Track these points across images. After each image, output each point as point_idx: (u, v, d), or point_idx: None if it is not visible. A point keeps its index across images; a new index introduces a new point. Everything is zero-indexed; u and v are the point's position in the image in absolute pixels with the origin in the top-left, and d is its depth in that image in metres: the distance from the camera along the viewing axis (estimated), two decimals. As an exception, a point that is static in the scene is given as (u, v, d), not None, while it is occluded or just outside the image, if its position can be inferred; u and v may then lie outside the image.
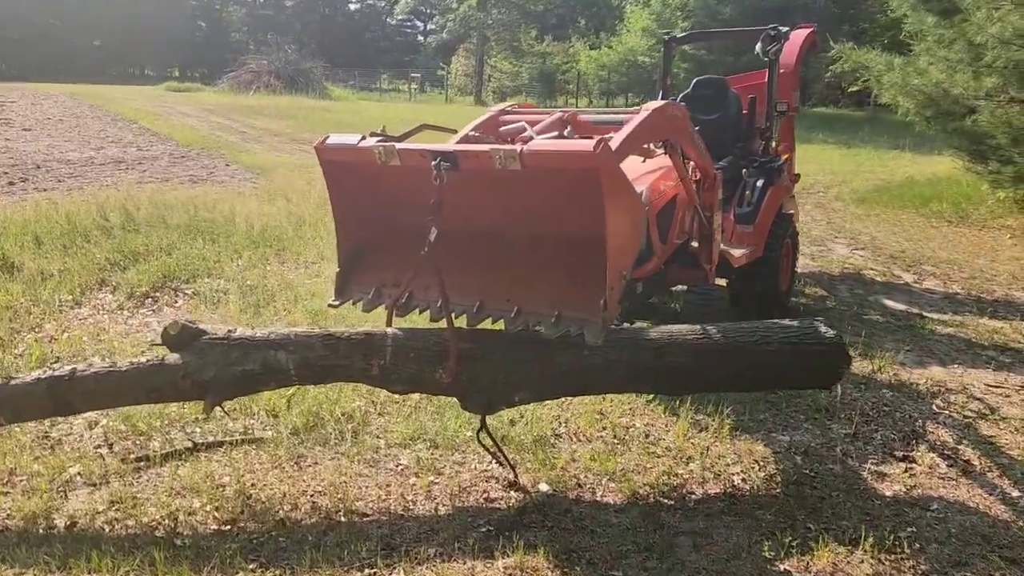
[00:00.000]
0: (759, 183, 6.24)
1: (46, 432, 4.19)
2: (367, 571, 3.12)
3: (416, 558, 3.17)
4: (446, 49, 47.22)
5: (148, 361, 3.63)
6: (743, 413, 4.35)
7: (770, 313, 5.24)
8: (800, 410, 4.53)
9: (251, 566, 3.15)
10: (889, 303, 6.69)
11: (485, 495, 3.69)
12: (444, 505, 3.62)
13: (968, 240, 9.02)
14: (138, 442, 4.19)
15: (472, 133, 4.42)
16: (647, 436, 4.24)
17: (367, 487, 3.77)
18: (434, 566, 3.14)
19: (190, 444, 4.13)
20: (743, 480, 3.81)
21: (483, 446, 3.85)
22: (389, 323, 3.95)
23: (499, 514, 3.53)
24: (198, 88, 36.87)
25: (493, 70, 36.38)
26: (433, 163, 3.54)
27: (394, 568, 3.13)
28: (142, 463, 3.96)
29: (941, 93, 9.16)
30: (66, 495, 3.69)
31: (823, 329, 3.77)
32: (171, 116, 23.34)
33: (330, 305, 4.13)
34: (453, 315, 3.78)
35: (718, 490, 3.74)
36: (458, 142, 4.22)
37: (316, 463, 3.99)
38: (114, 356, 5.30)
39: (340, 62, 43.47)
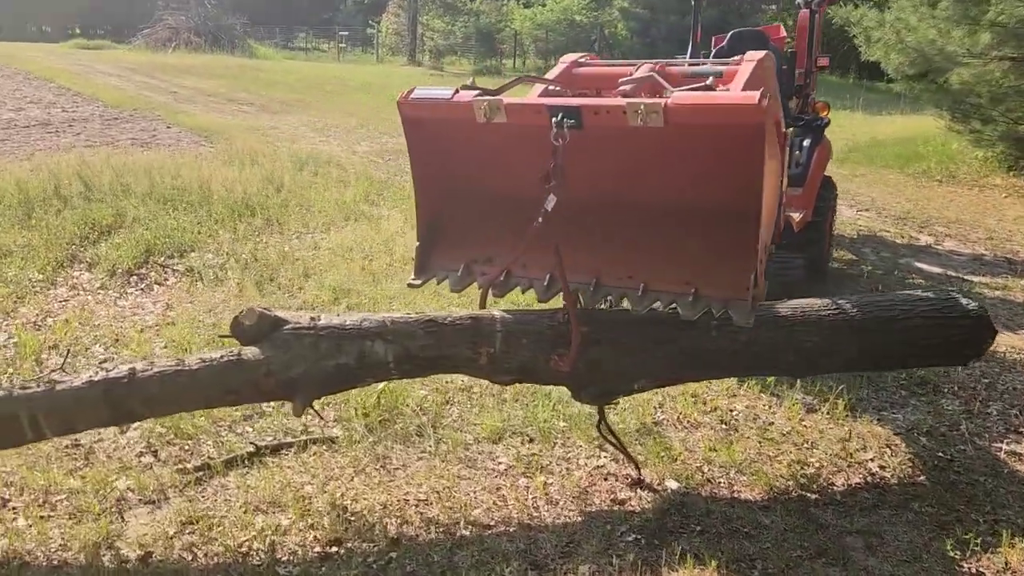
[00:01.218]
0: (805, 143, 5.93)
1: (74, 439, 3.58)
2: (521, 596, 2.70)
3: (572, 577, 2.77)
4: (368, 7, 45.63)
5: (223, 358, 3.07)
6: (843, 391, 4.05)
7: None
8: (900, 385, 4.27)
9: (382, 598, 2.69)
10: (922, 266, 6.54)
11: (611, 496, 3.30)
12: (570, 510, 3.21)
13: (967, 200, 8.99)
14: (187, 447, 3.63)
15: (553, 87, 3.94)
16: (756, 420, 3.91)
17: (475, 492, 3.32)
18: (596, 586, 2.74)
19: (251, 448, 3.59)
20: (880, 467, 3.53)
21: (607, 440, 3.44)
22: (483, 305, 3.48)
23: (637, 518, 3.14)
24: (110, 46, 34.46)
25: (426, 28, 35.27)
26: (554, 120, 3.07)
27: (550, 590, 2.72)
28: (201, 473, 3.42)
29: (936, 50, 9.06)
30: (122, 517, 3.13)
31: (964, 301, 3.48)
32: (90, 75, 21.67)
33: (410, 284, 3.63)
34: (551, 292, 3.36)
35: (859, 480, 3.43)
36: (540, 95, 3.74)
37: (404, 465, 3.51)
38: (117, 345, 4.67)
39: (259, 19, 41.46)
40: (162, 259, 6.26)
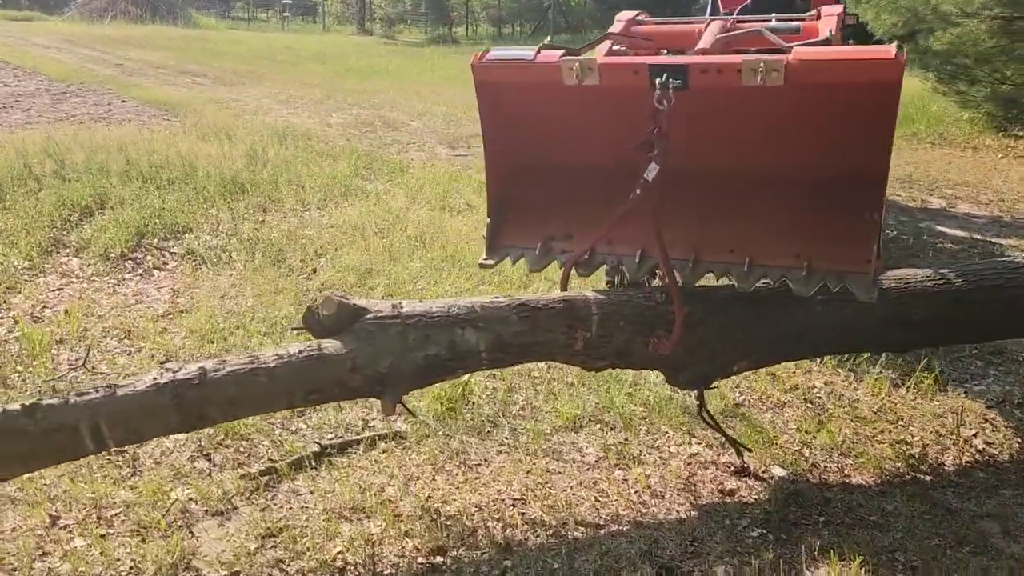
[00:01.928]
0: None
1: (114, 445, 3.20)
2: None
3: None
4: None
5: (301, 353, 2.74)
6: (927, 364, 3.90)
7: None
8: (974, 355, 4.13)
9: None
10: (945, 230, 6.45)
11: (718, 486, 3.09)
12: (679, 503, 2.99)
13: (964, 162, 8.95)
14: (242, 449, 3.30)
15: (617, 47, 3.66)
16: (840, 397, 3.73)
17: (572, 488, 3.08)
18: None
19: (316, 447, 3.28)
20: (986, 444, 3.38)
21: (709, 426, 3.21)
22: (564, 287, 3.22)
23: (754, 510, 2.94)
24: (40, 17, 32.74)
25: (375, -5, 34.34)
26: (657, 81, 2.79)
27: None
28: (268, 477, 3.10)
29: (930, 9, 8.97)
30: (191, 531, 2.81)
31: (1066, 268, 3.33)
32: (26, 48, 20.46)
33: (482, 264, 3.35)
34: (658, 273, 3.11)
35: (969, 458, 3.28)
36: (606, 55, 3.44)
37: (485, 460, 3.25)
38: (131, 337, 4.28)
39: (196, -12, 39.90)
40: (156, 241, 5.82)
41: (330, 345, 2.77)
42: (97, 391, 2.62)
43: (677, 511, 2.94)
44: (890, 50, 2.58)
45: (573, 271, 3.15)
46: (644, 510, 2.94)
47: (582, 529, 2.83)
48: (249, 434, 3.36)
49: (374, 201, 6.78)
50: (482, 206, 6.73)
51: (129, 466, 3.15)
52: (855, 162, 2.87)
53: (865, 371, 3.89)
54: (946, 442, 3.38)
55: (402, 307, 2.89)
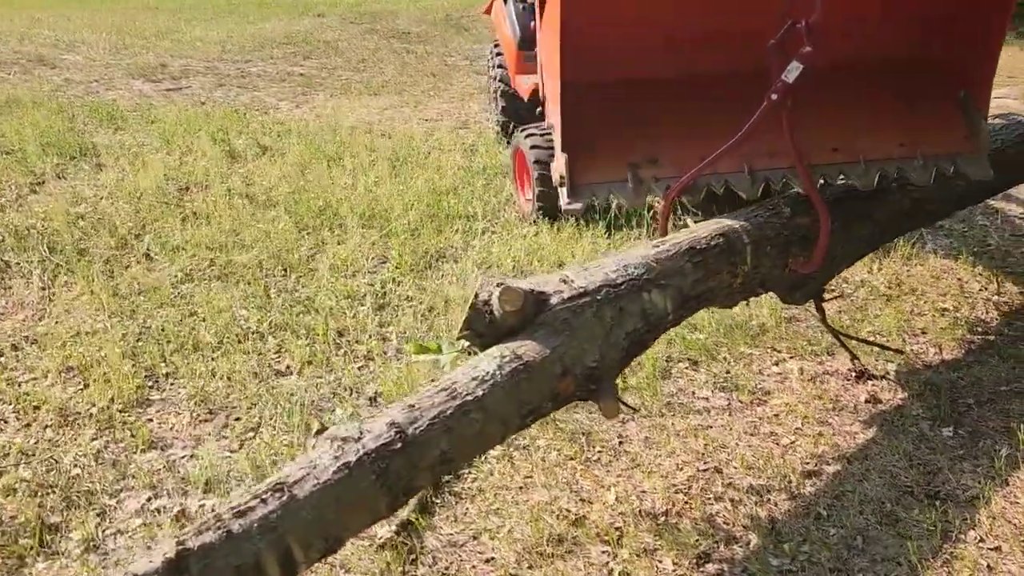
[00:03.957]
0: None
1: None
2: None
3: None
4: None
5: (503, 369, 2.03)
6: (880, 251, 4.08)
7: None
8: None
9: None
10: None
11: (862, 397, 2.96)
12: (849, 426, 2.82)
13: None
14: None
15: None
16: (861, 284, 3.77)
17: (739, 443, 2.75)
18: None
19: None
20: (994, 294, 3.65)
21: (835, 336, 3.06)
22: (664, 226, 2.82)
23: (913, 411, 2.87)
24: None
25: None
26: None
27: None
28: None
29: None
30: None
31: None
32: None
33: (566, 210, 2.80)
34: (760, 184, 2.82)
35: (996, 309, 3.53)
36: None
37: (680, 433, 2.78)
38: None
39: None
40: None
41: (527, 350, 2.10)
42: (264, 501, 1.71)
43: (857, 435, 2.76)
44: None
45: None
46: (831, 442, 2.72)
47: (805, 479, 2.54)
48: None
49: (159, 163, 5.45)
50: (282, 145, 5.88)
51: None
52: (969, 42, 2.80)
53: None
54: (964, 300, 3.59)
55: (574, 280, 2.27)
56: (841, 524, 2.35)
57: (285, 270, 4.03)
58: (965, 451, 2.65)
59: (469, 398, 1.97)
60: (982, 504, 2.40)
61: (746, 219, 2.72)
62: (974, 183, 3.24)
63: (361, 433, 1.87)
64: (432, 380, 3.06)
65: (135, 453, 2.77)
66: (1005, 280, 3.78)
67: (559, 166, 2.79)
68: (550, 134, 4.39)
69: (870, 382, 3.05)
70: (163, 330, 3.49)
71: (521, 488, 2.55)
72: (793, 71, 2.53)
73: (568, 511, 2.42)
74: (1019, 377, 3.04)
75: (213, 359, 3.29)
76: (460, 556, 2.30)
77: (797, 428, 2.80)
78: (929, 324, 3.42)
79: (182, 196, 5.01)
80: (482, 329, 2.16)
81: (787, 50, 2.54)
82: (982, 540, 2.29)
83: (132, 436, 2.84)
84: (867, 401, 2.94)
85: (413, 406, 1.94)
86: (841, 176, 2.90)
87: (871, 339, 3.19)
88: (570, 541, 2.33)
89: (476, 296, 2.15)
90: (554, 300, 2.19)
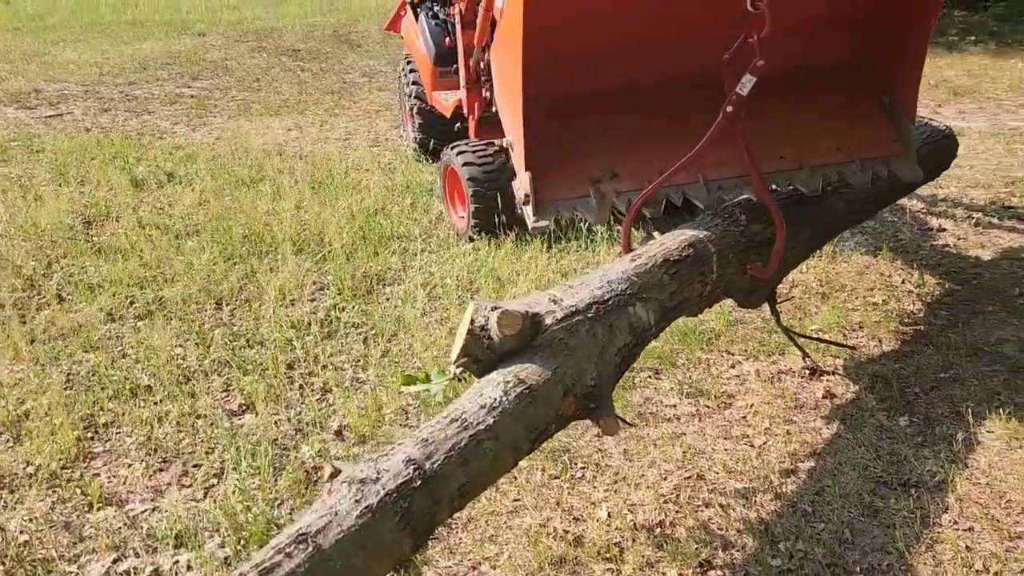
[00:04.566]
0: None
1: None
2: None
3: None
4: None
5: (507, 395, 2.00)
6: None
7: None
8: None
9: None
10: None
11: (820, 393, 3.08)
12: (813, 422, 2.93)
13: (984, 66, 9.13)
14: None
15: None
16: (831, 284, 3.93)
17: (716, 446, 2.81)
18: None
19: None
20: (914, 285, 3.88)
21: (789, 336, 3.16)
22: (627, 237, 2.87)
23: (866, 403, 3.01)
24: None
25: None
26: None
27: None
28: None
29: None
30: None
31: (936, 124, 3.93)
32: None
33: (534, 228, 2.80)
34: (715, 192, 2.90)
35: (921, 300, 3.74)
36: None
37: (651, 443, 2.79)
38: None
39: None
40: None
41: (529, 374, 2.07)
42: (290, 555, 1.62)
43: (822, 430, 2.87)
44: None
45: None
46: (800, 439, 2.81)
47: (785, 478, 2.61)
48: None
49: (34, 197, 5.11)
50: (190, 171, 5.58)
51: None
52: (898, 48, 2.96)
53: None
54: (891, 293, 3.80)
55: (563, 299, 2.27)
56: (828, 519, 2.43)
57: (217, 303, 3.84)
58: (923, 438, 2.79)
59: (481, 427, 1.93)
60: (950, 488, 2.53)
61: (708, 229, 2.78)
62: (897, 183, 3.45)
63: (378, 474, 1.80)
64: (401, 408, 3.02)
65: (88, 512, 2.57)
66: (923, 272, 4.01)
67: (523, 184, 2.78)
68: (482, 150, 4.38)
69: (824, 378, 3.17)
70: (94, 375, 3.27)
71: (512, 512, 2.51)
72: (747, 84, 2.61)
73: (565, 531, 2.41)
74: (954, 364, 3.23)
75: (156, 403, 3.10)
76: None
77: (766, 428, 2.88)
78: (864, 318, 3.59)
79: (88, 230, 4.72)
80: (480, 355, 2.11)
81: (740, 64, 2.62)
82: (956, 522, 2.41)
83: (82, 494, 2.64)
84: (824, 397, 3.05)
85: (427, 440, 1.89)
86: (789, 182, 3.01)
87: (823, 337, 3.32)
88: (572, 562, 2.31)
89: (472, 322, 2.11)
90: (548, 321, 2.18)
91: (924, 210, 4.89)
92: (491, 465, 1.95)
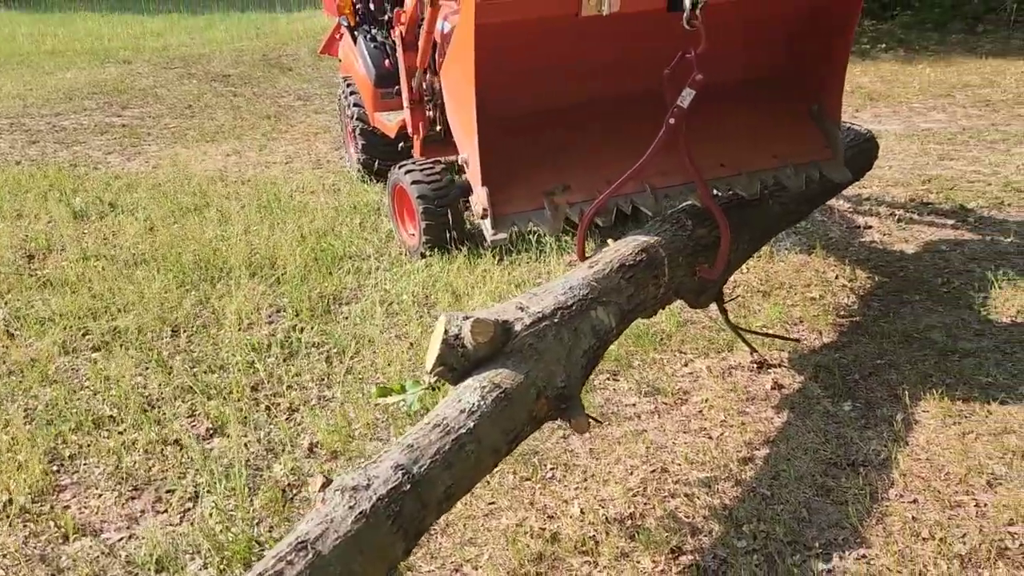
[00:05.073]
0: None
1: None
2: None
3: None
4: None
5: (484, 400, 2.10)
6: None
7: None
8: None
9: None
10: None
11: (768, 385, 3.26)
12: (765, 413, 3.09)
13: (894, 71, 9.65)
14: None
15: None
16: (771, 282, 4.12)
17: (678, 439, 2.95)
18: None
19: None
20: (847, 280, 4.11)
21: (737, 333, 3.33)
22: (582, 244, 3.00)
23: (812, 391, 3.19)
24: None
25: None
26: (688, 1, 2.72)
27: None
28: None
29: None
30: None
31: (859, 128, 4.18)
32: None
33: (493, 241, 2.91)
34: (662, 200, 3.06)
35: (855, 294, 3.98)
36: None
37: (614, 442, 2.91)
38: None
39: None
40: None
41: (503, 379, 2.18)
42: (291, 563, 1.69)
43: (773, 419, 3.04)
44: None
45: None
46: (754, 428, 2.97)
47: (744, 465, 2.76)
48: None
49: None
50: (131, 200, 5.50)
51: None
52: (822, 60, 3.18)
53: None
54: (826, 288, 4.03)
55: (529, 307, 2.38)
56: (785, 500, 2.59)
57: (174, 330, 3.84)
58: (866, 421, 2.99)
59: (463, 431, 2.03)
60: (894, 465, 2.72)
61: (658, 234, 2.93)
62: (828, 185, 3.67)
63: (369, 480, 1.87)
64: (370, 423, 3.08)
65: (64, 544, 2.57)
66: (854, 267, 4.26)
67: (480, 199, 2.88)
68: (430, 168, 4.48)
69: (771, 370, 3.35)
70: (53, 408, 3.25)
71: (488, 515, 2.60)
72: (687, 97, 2.77)
73: (541, 529, 2.51)
74: (888, 351, 3.45)
75: (121, 432, 3.10)
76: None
77: (722, 420, 3.03)
78: (804, 313, 3.79)
79: (31, 264, 4.64)
80: (455, 363, 2.21)
81: (679, 78, 2.78)
82: (902, 496, 2.59)
83: (56, 526, 2.63)
84: (773, 388, 3.22)
85: (412, 446, 1.97)
86: (729, 188, 3.19)
87: (769, 332, 3.50)
88: (550, 557, 2.41)
89: (446, 332, 2.20)
90: (518, 327, 2.28)
91: (851, 209, 5.17)
92: (474, 467, 2.05)
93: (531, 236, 4.43)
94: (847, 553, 2.37)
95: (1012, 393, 3.09)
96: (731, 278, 3.93)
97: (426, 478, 1.91)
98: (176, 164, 6.74)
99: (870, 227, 4.88)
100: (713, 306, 3.36)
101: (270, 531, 2.56)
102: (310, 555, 1.71)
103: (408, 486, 1.88)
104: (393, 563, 1.88)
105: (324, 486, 1.88)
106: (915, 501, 2.57)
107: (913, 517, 2.49)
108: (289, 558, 1.69)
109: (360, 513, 1.80)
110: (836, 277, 4.18)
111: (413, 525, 1.89)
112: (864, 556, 2.35)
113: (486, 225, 2.90)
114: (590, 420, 2.35)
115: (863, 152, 4.14)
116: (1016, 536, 2.39)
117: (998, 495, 2.56)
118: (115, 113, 8.98)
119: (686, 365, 3.43)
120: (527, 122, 2.98)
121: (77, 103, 9.45)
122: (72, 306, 4.02)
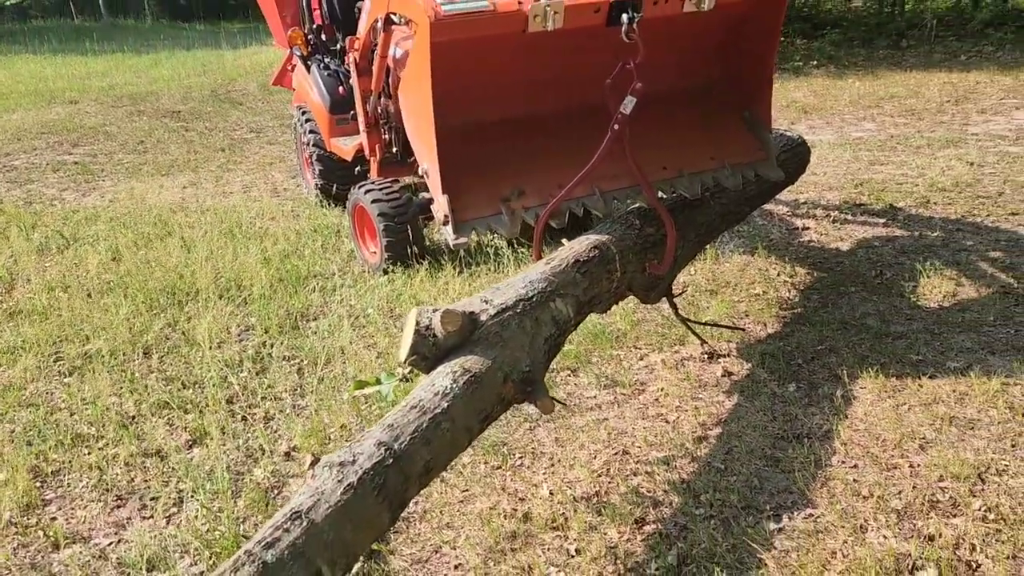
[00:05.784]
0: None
1: None
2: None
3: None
4: None
5: (456, 383, 2.27)
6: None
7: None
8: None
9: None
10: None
11: (718, 374, 3.48)
12: (717, 399, 3.31)
13: (826, 86, 10.11)
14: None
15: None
16: (717, 281, 4.36)
17: (637, 426, 3.15)
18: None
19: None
20: (788, 276, 4.38)
21: (687, 326, 3.55)
22: (539, 246, 3.20)
23: (759, 376, 3.42)
24: None
25: None
26: (624, 16, 2.96)
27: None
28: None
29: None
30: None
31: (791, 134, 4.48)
32: None
33: (455, 245, 3.10)
34: (611, 202, 3.28)
35: (796, 288, 4.24)
36: None
37: (581, 427, 3.08)
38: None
39: None
40: None
41: (472, 364, 2.35)
42: (287, 530, 1.84)
43: (724, 403, 3.25)
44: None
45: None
46: (707, 411, 3.18)
47: (698, 444, 2.97)
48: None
49: None
50: (92, 232, 5.56)
51: None
52: (753, 68, 3.44)
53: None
54: (769, 285, 4.29)
55: (493, 299, 2.56)
56: (738, 472, 2.79)
57: (145, 352, 3.93)
58: (809, 399, 3.22)
59: (438, 411, 2.19)
60: (835, 436, 2.95)
61: (609, 233, 3.15)
62: (765, 186, 3.95)
63: (354, 456, 2.03)
64: (344, 425, 3.22)
65: (55, 552, 2.66)
66: (794, 265, 4.53)
67: (441, 207, 3.07)
68: (388, 187, 4.66)
69: (720, 360, 3.57)
70: (32, 430, 3.32)
71: (463, 501, 2.76)
72: (629, 104, 3.00)
73: (514, 510, 2.67)
74: (828, 337, 3.70)
75: (102, 448, 3.19)
76: (429, 569, 2.48)
77: (677, 406, 3.24)
78: (749, 307, 4.04)
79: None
80: (427, 352, 2.37)
81: (621, 87, 3.01)
82: (843, 462, 2.82)
83: (45, 535, 2.71)
84: (723, 375, 3.44)
85: (392, 425, 2.13)
86: (672, 189, 3.42)
87: (716, 322, 3.73)
88: (524, 535, 2.57)
89: (418, 323, 2.37)
90: (483, 317, 2.46)
91: (789, 213, 5.47)
92: (450, 444, 2.21)
93: (489, 248, 4.63)
94: (795, 514, 2.57)
95: (940, 368, 3.35)
96: (680, 278, 4.17)
97: (406, 453, 2.07)
98: (133, 197, 6.81)
99: (808, 228, 5.18)
100: (665, 304, 3.58)
101: (256, 528, 2.67)
102: (304, 523, 1.85)
103: (391, 460, 2.03)
104: (380, 531, 2.04)
105: (313, 463, 2.03)
106: (855, 466, 2.79)
107: (854, 480, 2.71)
108: (286, 526, 1.84)
109: (348, 485, 1.95)
110: (778, 274, 4.44)
111: (397, 496, 2.04)
112: (811, 515, 2.56)
113: (448, 231, 3.08)
114: (555, 402, 2.53)
115: (796, 155, 4.43)
116: (946, 490, 2.62)
117: (929, 456, 2.79)
118: (66, 151, 8.98)
119: (642, 359, 3.64)
120: (483, 133, 3.17)
121: (26, 143, 9.42)
122: (43, 333, 4.09)
